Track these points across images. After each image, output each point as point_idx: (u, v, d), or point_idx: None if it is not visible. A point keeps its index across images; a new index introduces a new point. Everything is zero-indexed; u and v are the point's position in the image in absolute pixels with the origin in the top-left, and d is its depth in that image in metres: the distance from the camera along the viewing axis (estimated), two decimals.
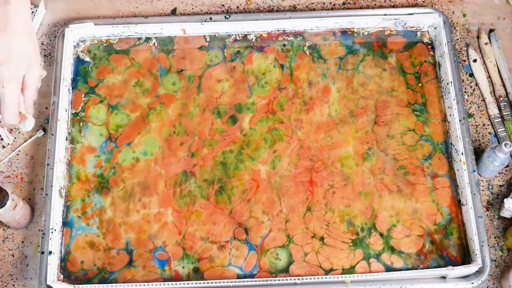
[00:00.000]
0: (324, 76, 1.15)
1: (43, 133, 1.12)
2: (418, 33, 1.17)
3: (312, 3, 1.22)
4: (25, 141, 1.12)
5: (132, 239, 1.04)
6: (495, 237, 1.06)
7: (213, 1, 1.23)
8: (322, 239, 1.04)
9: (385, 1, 1.22)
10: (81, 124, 1.11)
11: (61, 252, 1.03)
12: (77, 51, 1.17)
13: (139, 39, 1.18)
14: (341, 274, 1.01)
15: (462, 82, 1.15)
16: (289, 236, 1.04)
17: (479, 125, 1.13)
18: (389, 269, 1.02)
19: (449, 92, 1.10)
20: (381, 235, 1.04)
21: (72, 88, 1.14)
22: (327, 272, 1.02)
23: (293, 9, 1.21)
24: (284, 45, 1.17)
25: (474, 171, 1.05)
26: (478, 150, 1.10)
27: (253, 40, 1.18)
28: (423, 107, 1.12)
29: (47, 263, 0.99)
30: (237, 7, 1.22)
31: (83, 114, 1.12)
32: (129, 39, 1.18)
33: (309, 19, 1.16)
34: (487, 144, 1.12)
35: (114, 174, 1.08)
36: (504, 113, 1.13)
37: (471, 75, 1.17)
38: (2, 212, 0.97)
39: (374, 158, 1.09)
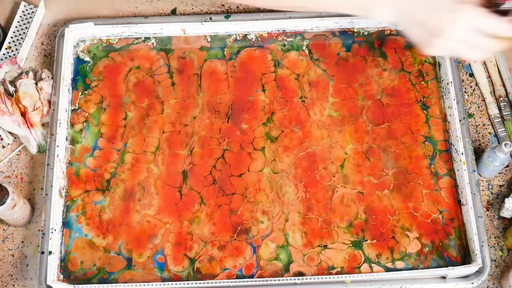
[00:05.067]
0: (324, 75, 1.15)
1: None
2: None
3: None
4: None
5: (132, 240, 1.04)
6: (495, 237, 1.06)
7: (213, 1, 1.23)
8: (322, 239, 1.04)
9: None
10: (82, 123, 1.11)
11: (61, 252, 1.03)
12: (77, 51, 1.17)
13: (138, 38, 1.18)
14: (341, 274, 1.01)
15: (462, 82, 1.15)
16: (289, 236, 1.04)
17: (479, 125, 1.13)
18: (389, 269, 1.02)
19: (449, 92, 1.10)
20: (381, 235, 1.04)
21: (72, 88, 1.14)
22: (327, 272, 1.01)
23: None
24: (284, 45, 1.17)
25: (474, 171, 1.05)
26: (478, 150, 1.10)
27: (253, 40, 1.17)
28: (424, 107, 1.12)
29: (47, 263, 0.99)
30: (237, 7, 1.22)
31: (83, 113, 1.12)
32: (129, 39, 1.18)
33: (309, 19, 1.16)
34: (487, 144, 1.11)
35: (112, 174, 1.08)
36: (504, 113, 1.12)
37: (471, 75, 1.17)
38: (0, 209, 0.97)
39: (374, 158, 1.09)
